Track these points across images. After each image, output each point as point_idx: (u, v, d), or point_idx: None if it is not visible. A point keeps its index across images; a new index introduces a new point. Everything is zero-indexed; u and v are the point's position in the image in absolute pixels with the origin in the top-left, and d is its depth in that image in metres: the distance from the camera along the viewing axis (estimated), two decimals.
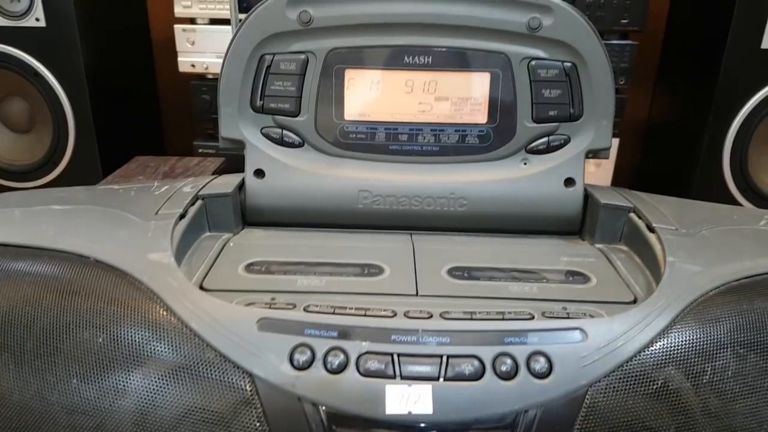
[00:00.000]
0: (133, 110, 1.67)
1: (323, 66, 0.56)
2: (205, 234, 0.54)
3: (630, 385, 0.38)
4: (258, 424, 0.37)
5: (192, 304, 0.39)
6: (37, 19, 1.35)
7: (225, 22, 1.42)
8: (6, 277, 0.43)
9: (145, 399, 0.38)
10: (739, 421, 0.39)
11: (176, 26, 1.45)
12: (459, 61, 0.56)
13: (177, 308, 0.39)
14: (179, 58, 1.48)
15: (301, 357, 0.37)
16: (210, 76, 1.51)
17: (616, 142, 1.38)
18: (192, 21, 1.46)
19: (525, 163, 0.58)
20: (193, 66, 1.49)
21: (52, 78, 1.39)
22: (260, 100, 0.56)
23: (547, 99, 0.56)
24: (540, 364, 0.38)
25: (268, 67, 0.56)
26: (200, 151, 1.49)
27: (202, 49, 1.48)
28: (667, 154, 1.54)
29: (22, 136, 1.46)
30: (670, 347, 0.39)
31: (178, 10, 1.44)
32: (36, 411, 0.39)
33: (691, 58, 1.42)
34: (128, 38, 1.66)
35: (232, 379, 0.37)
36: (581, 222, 0.58)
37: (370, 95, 0.57)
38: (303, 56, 0.56)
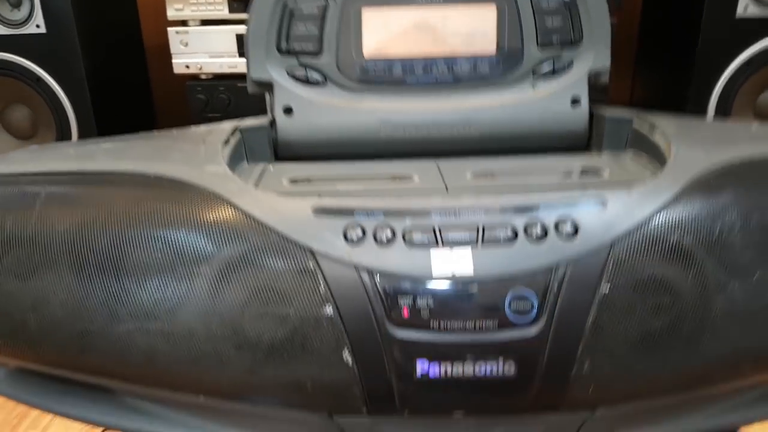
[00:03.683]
0: (131, 112, 1.71)
1: (342, 7, 0.61)
2: (243, 163, 0.58)
3: (649, 243, 0.42)
4: (322, 290, 0.41)
5: (253, 199, 0.44)
6: (38, 26, 1.40)
7: (216, 22, 1.47)
8: (71, 201, 0.47)
9: (216, 287, 0.42)
10: (746, 280, 0.44)
11: (169, 29, 1.49)
12: None
13: (240, 203, 0.43)
14: (173, 60, 1.52)
15: (354, 234, 0.42)
16: (204, 76, 1.55)
17: None
18: (184, 23, 1.51)
19: (534, 87, 0.63)
20: (187, 67, 1.53)
21: (54, 83, 1.43)
22: (285, 42, 0.61)
23: (550, 27, 0.62)
24: (567, 227, 0.42)
25: (291, 11, 0.61)
26: None
27: (195, 50, 1.52)
28: None
29: (24, 142, 1.50)
30: (681, 211, 0.43)
31: (171, 13, 1.49)
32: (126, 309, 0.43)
33: (669, 35, 1.46)
34: (123, 42, 1.70)
35: (295, 255, 0.42)
36: (588, 137, 0.63)
37: (386, 33, 0.62)
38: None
